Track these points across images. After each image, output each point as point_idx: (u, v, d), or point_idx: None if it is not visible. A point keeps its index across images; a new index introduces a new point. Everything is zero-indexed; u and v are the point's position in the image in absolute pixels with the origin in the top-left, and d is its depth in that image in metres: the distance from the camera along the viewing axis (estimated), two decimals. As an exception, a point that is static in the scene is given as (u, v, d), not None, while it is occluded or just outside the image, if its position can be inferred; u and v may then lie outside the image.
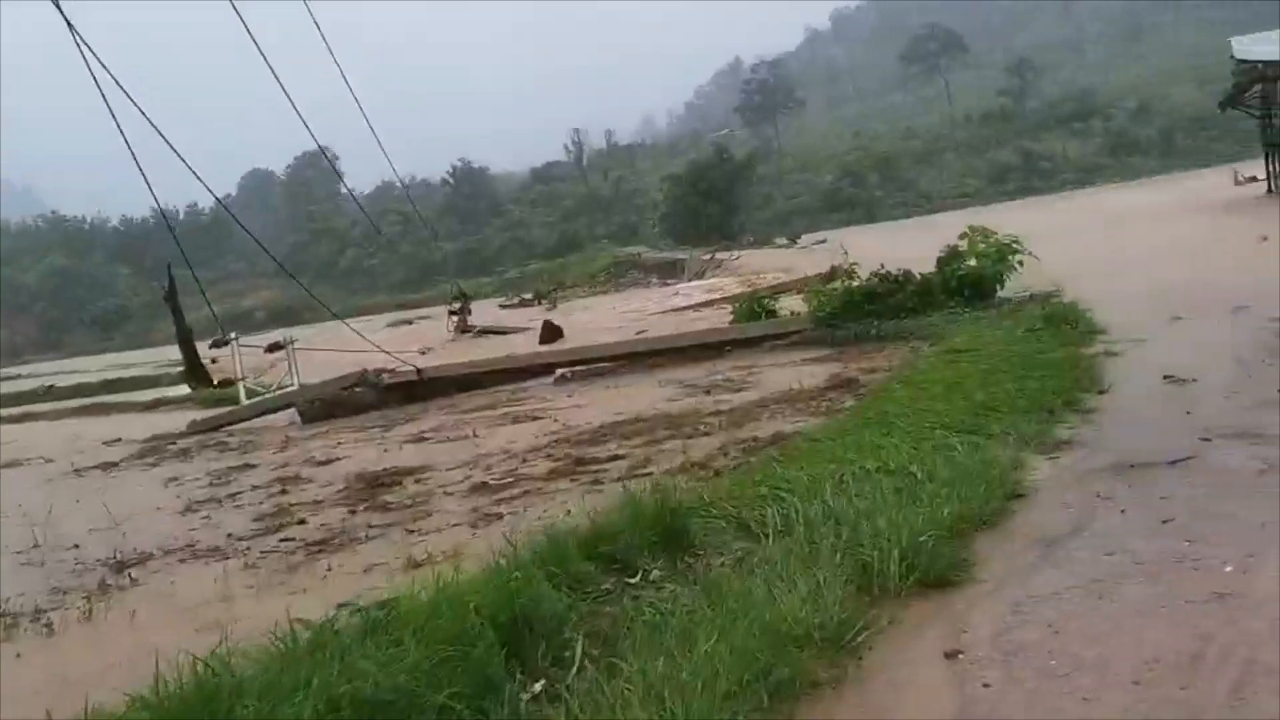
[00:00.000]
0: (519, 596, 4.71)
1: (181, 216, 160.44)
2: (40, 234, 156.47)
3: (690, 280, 57.22)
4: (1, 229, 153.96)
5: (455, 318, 33.71)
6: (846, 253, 34.70)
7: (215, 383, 30.52)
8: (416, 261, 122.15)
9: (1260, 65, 37.19)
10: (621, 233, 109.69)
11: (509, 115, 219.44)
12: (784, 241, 65.65)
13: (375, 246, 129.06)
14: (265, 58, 17.03)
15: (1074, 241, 30.46)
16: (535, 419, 14.01)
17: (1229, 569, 4.93)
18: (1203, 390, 9.09)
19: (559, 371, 17.96)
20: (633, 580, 5.48)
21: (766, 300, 19.89)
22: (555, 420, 13.52)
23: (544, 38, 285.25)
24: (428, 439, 13.60)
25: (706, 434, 10.84)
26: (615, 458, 10.29)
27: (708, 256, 63.40)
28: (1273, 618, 4.28)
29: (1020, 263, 17.54)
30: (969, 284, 16.89)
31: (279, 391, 19.14)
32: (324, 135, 20.51)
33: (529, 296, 51.50)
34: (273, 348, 21.54)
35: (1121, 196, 65.23)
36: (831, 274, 31.47)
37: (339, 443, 14.56)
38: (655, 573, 5.57)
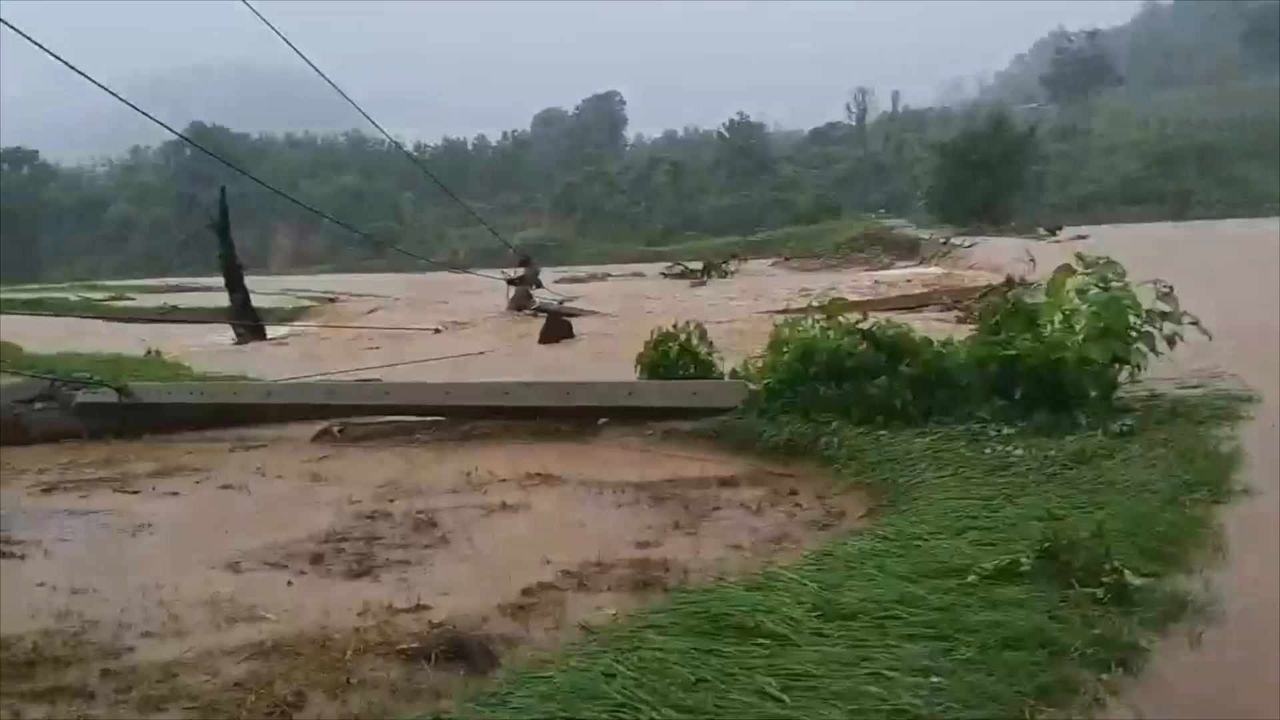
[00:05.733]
0: None
1: (470, 148, 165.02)
2: (341, 151, 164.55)
3: (917, 265, 48.83)
4: (305, 143, 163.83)
5: (513, 288, 27.19)
6: (1033, 260, 25.08)
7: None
8: (679, 214, 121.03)
9: None
10: (894, 202, 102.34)
11: (804, 69, 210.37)
12: (1043, 232, 54.37)
13: (641, 195, 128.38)
14: None
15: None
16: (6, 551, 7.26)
17: None
18: None
19: (332, 425, 10.83)
20: None
21: (695, 344, 11.34)
22: (23, 559, 6.83)
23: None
24: None
25: None
26: None
27: (943, 240, 54.15)
28: None
29: (1170, 341, 8.71)
30: (1030, 374, 8.27)
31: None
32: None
33: (695, 267, 44.02)
34: None
35: None
36: (1005, 286, 22.71)
37: None
38: None
